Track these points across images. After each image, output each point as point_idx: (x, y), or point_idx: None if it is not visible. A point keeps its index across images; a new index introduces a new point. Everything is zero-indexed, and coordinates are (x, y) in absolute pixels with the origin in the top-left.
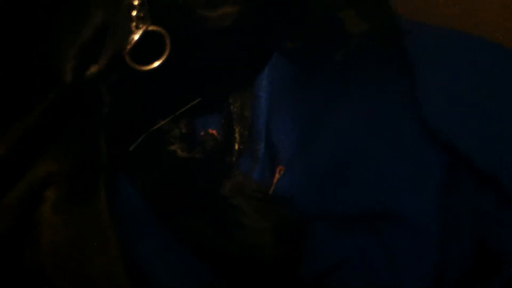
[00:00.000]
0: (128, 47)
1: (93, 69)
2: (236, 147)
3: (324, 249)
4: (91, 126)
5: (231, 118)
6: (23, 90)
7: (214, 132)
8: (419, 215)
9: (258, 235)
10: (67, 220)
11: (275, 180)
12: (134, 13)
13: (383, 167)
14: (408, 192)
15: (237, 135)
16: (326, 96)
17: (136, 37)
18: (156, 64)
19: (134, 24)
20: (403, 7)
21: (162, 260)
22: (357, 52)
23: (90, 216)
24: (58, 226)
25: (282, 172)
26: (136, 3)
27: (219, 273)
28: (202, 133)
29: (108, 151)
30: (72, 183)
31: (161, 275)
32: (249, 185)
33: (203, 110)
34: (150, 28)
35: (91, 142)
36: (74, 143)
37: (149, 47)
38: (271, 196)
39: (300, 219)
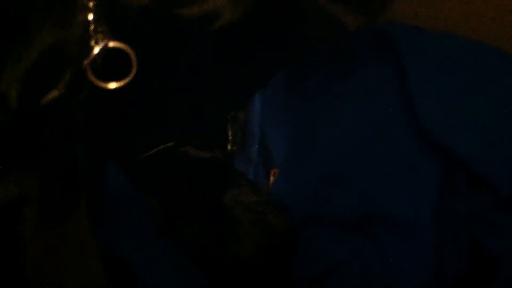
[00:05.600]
0: (86, 62)
1: (54, 93)
2: (229, 148)
3: (320, 252)
4: (66, 143)
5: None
6: None
7: None
8: (414, 218)
9: (250, 248)
10: (48, 235)
11: (270, 184)
12: (92, 28)
13: (378, 170)
14: (403, 196)
15: (230, 137)
16: (321, 99)
17: (95, 52)
18: (119, 84)
19: (93, 40)
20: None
21: (157, 264)
22: (352, 56)
23: (71, 230)
24: (40, 242)
25: (276, 175)
26: (91, 18)
27: (212, 279)
28: None
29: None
30: (50, 200)
31: (154, 278)
32: (250, 196)
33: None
34: (111, 44)
35: (68, 158)
36: (47, 162)
37: (119, 63)
38: (270, 209)
39: (294, 232)
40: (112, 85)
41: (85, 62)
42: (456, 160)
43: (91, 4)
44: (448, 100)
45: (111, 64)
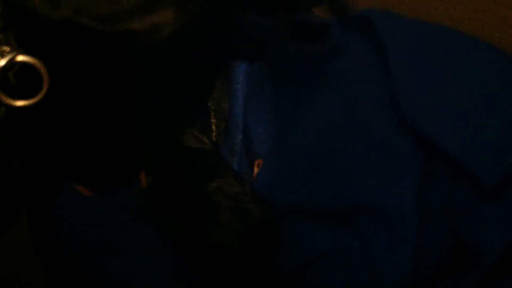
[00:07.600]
0: None
1: None
2: (213, 139)
3: (302, 243)
4: None
5: (208, 109)
6: None
7: None
8: (395, 208)
9: (229, 235)
10: None
11: (254, 175)
12: None
13: (360, 161)
14: (384, 186)
15: (213, 127)
16: (304, 90)
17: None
18: (27, 102)
19: None
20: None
21: (142, 257)
22: (334, 47)
23: (9, 244)
24: None
25: (260, 166)
26: None
27: (193, 267)
28: None
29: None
30: None
31: (139, 272)
32: (234, 187)
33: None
34: (21, 58)
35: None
36: None
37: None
38: (251, 199)
39: (274, 222)
40: (20, 103)
41: None
42: (436, 149)
43: None
44: (430, 89)
45: (29, 81)
